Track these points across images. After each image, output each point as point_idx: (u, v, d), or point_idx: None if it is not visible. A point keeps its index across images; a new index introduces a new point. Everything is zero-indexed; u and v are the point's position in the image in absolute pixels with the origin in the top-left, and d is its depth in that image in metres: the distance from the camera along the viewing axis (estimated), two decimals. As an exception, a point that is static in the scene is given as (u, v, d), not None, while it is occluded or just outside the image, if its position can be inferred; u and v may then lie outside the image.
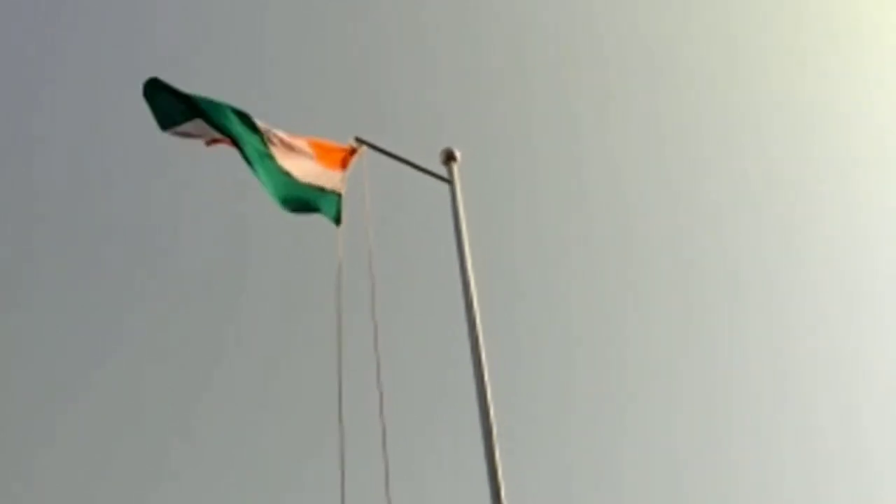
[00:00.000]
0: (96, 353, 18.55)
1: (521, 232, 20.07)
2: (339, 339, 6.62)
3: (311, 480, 16.70)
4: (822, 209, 20.43)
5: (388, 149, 7.96)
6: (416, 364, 18.24)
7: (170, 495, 16.52)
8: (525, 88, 21.32)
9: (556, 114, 21.17)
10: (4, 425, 17.13)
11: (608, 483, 16.89)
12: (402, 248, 19.04)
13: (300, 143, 7.79)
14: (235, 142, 7.26)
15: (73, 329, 18.72)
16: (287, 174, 7.53)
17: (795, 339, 19.01)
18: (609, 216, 20.33)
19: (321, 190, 7.63)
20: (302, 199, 7.52)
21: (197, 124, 7.30)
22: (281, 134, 7.71)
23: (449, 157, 7.99)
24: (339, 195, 7.69)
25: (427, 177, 7.89)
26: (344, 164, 7.87)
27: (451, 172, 7.92)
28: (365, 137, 8.00)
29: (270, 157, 7.50)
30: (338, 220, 7.57)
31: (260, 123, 7.63)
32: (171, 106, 7.25)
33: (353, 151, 7.94)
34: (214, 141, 7.39)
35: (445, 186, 7.85)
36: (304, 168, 7.67)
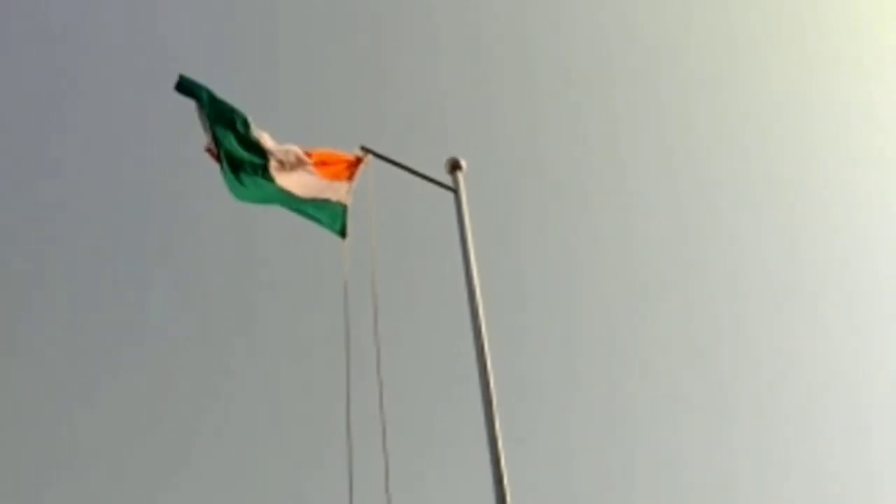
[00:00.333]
0: (103, 356, 18.57)
1: (527, 241, 20.09)
2: (348, 350, 6.65)
3: (317, 483, 16.70)
4: (825, 210, 20.42)
5: (394, 158, 7.98)
6: (422, 372, 18.24)
7: (175, 495, 16.52)
8: (530, 97, 21.35)
9: (561, 123, 21.20)
10: (10, 427, 17.15)
11: (612, 482, 16.87)
12: (408, 258, 19.06)
13: (303, 157, 7.78)
14: (221, 154, 7.29)
15: (81, 332, 18.75)
16: (288, 192, 7.53)
17: (799, 341, 18.98)
18: (615, 225, 20.34)
19: (326, 202, 7.65)
20: (304, 213, 7.55)
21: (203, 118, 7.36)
22: (283, 149, 7.70)
23: (454, 167, 8.01)
24: (345, 207, 7.70)
25: (432, 186, 7.91)
26: (350, 175, 7.89)
27: (456, 181, 7.93)
28: (370, 146, 8.03)
29: (269, 178, 7.50)
30: (343, 233, 7.58)
31: (264, 141, 7.62)
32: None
33: (358, 160, 7.97)
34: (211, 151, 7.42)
35: (451, 195, 7.87)
36: (307, 184, 7.68)
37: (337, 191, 7.73)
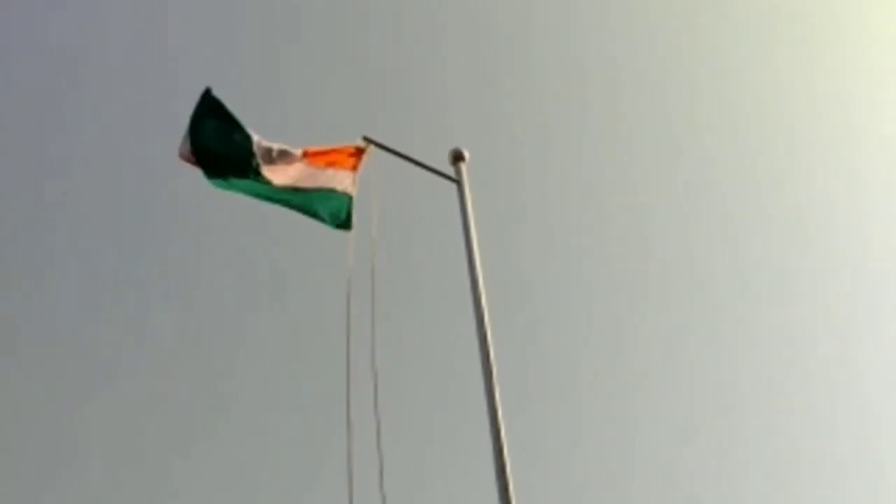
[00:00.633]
0: (103, 356, 18.57)
1: (530, 232, 20.05)
2: (348, 341, 6.62)
3: (319, 481, 16.70)
4: (828, 209, 20.38)
5: (396, 148, 7.94)
6: (423, 364, 18.22)
7: (172, 495, 16.52)
8: (533, 87, 21.30)
9: (564, 112, 21.15)
10: (11, 426, 17.16)
11: (616, 478, 16.86)
12: (411, 249, 19.03)
13: (298, 153, 7.71)
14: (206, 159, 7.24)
15: (81, 333, 18.74)
16: (286, 188, 7.47)
17: (806, 340, 18.95)
18: (618, 216, 20.30)
19: (331, 191, 7.60)
20: (303, 208, 7.50)
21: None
22: (279, 148, 7.62)
23: (457, 157, 7.97)
24: (350, 198, 7.66)
25: (435, 177, 7.88)
26: (354, 166, 7.85)
27: (459, 172, 7.90)
28: (372, 137, 7.99)
29: (263, 180, 7.43)
30: (348, 225, 7.53)
31: (257, 144, 7.51)
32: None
33: (360, 151, 7.93)
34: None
35: (453, 186, 7.83)
36: (308, 176, 7.63)
37: (342, 181, 7.68)
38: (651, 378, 18.40)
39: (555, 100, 21.23)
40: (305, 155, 7.72)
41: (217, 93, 7.44)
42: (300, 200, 7.51)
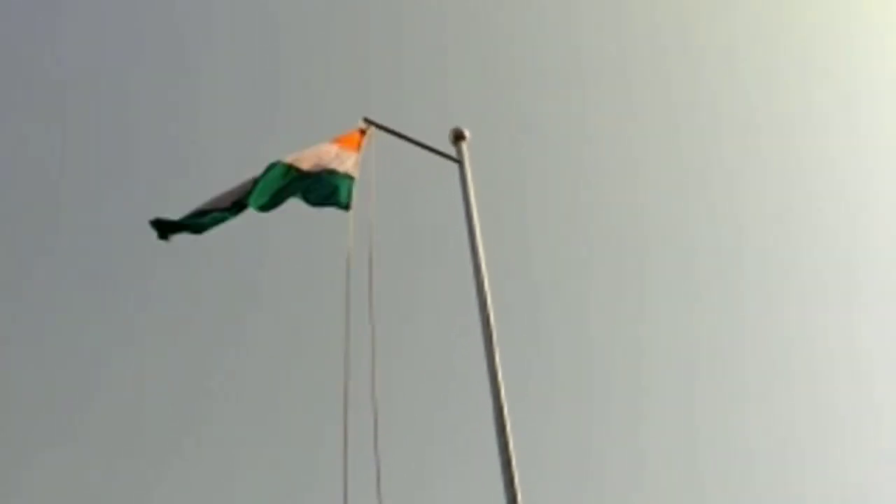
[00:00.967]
0: (101, 351, 18.57)
1: (532, 211, 19.99)
2: (347, 322, 6.57)
3: (318, 473, 16.70)
4: (830, 208, 20.31)
5: (397, 129, 7.89)
6: (425, 347, 18.19)
7: (169, 495, 16.54)
8: (534, 66, 21.20)
9: (565, 91, 21.05)
10: (10, 426, 17.17)
11: (623, 480, 16.85)
12: (412, 229, 18.98)
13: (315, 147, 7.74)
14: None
15: (78, 327, 18.74)
16: (293, 170, 7.45)
17: (809, 338, 18.91)
18: (621, 195, 20.24)
19: (333, 172, 7.55)
20: (304, 194, 7.47)
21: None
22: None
23: (458, 137, 7.91)
24: (352, 179, 7.61)
25: (436, 157, 7.82)
26: (357, 147, 7.81)
27: (460, 152, 7.84)
28: (373, 118, 7.93)
29: (290, 171, 7.44)
30: (347, 206, 7.49)
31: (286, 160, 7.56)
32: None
33: (362, 133, 7.88)
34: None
35: (455, 166, 7.77)
36: (318, 155, 7.61)
37: (344, 161, 7.64)
38: (657, 364, 18.37)
39: (556, 78, 21.13)
40: (330, 141, 7.75)
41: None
42: (298, 187, 7.47)
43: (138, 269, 19.26)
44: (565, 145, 20.65)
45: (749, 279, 19.37)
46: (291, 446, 17.11)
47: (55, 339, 18.37)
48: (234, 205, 7.28)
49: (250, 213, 7.35)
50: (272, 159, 7.64)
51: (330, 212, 7.49)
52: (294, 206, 7.50)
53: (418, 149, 7.85)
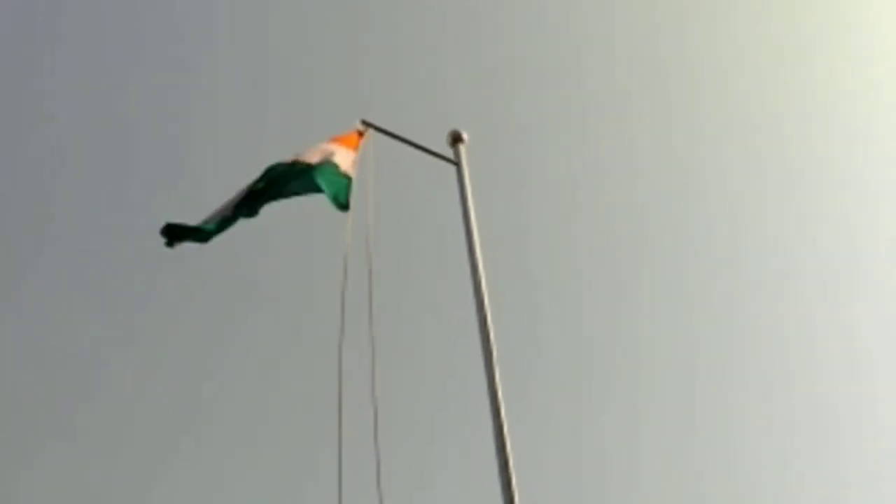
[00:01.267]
0: (100, 351, 18.57)
1: (530, 214, 20.00)
2: (342, 325, 6.58)
3: (316, 476, 16.71)
4: (831, 208, 20.34)
5: (395, 131, 7.90)
6: (422, 350, 18.20)
7: (165, 494, 16.54)
8: (532, 68, 21.22)
9: (564, 94, 21.07)
10: (10, 426, 17.17)
11: (621, 479, 16.87)
12: (409, 232, 18.99)
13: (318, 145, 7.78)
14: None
15: (75, 327, 18.74)
16: (304, 164, 7.49)
17: (810, 338, 18.93)
18: (619, 198, 20.25)
19: (336, 167, 7.57)
20: (310, 181, 7.47)
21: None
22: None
23: (456, 139, 7.93)
24: (350, 179, 7.63)
25: (434, 159, 7.83)
26: (355, 147, 7.83)
27: (458, 154, 7.85)
28: (371, 120, 7.94)
29: (297, 164, 7.49)
30: (346, 206, 7.50)
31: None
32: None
33: (359, 135, 7.89)
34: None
35: (453, 169, 7.79)
36: (321, 151, 7.64)
37: (345, 158, 7.65)
38: (655, 363, 18.39)
39: (554, 81, 21.15)
40: (329, 140, 7.79)
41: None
42: (303, 177, 7.49)
43: (138, 269, 19.27)
44: (563, 148, 20.67)
45: (747, 281, 19.40)
46: (291, 447, 17.11)
47: (55, 340, 18.37)
48: (238, 208, 7.32)
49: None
50: (270, 161, 7.67)
51: (328, 212, 7.50)
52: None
53: (416, 151, 7.87)
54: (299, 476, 16.79)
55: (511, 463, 5.89)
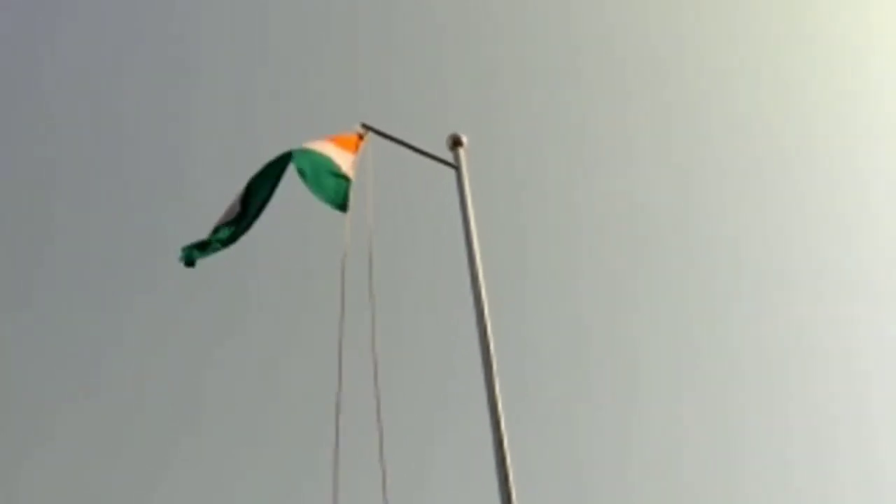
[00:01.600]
0: (99, 351, 18.56)
1: (529, 217, 20.00)
2: (341, 326, 6.57)
3: (316, 476, 16.70)
4: (828, 206, 20.33)
5: (395, 135, 7.89)
6: (422, 352, 18.20)
7: (169, 493, 16.53)
8: (532, 72, 21.21)
9: (563, 97, 21.06)
10: (10, 426, 17.15)
11: (618, 479, 16.86)
12: (409, 236, 18.98)
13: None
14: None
15: (74, 328, 18.73)
16: (315, 152, 7.54)
17: (803, 336, 18.92)
18: (618, 201, 20.25)
19: (339, 168, 7.58)
20: (325, 185, 7.49)
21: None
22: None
23: (455, 143, 7.92)
24: (349, 181, 7.62)
25: (434, 163, 7.82)
26: (354, 151, 7.83)
27: (457, 158, 7.85)
28: (371, 123, 7.94)
29: (305, 150, 7.56)
30: (344, 207, 7.49)
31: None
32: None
33: (359, 138, 7.89)
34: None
35: (452, 172, 7.78)
36: (325, 147, 7.68)
37: (345, 161, 7.65)
38: (653, 368, 18.38)
39: (554, 84, 21.14)
40: (328, 140, 7.83)
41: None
42: (312, 163, 7.52)
43: (138, 269, 19.26)
44: (563, 152, 20.66)
45: (745, 292, 19.39)
46: (291, 447, 17.11)
47: (55, 340, 18.36)
48: (245, 204, 7.42)
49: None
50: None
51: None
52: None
53: (416, 154, 7.86)
54: (299, 476, 16.77)
55: (511, 477, 5.88)
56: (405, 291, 18.13)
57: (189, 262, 7.35)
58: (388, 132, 7.91)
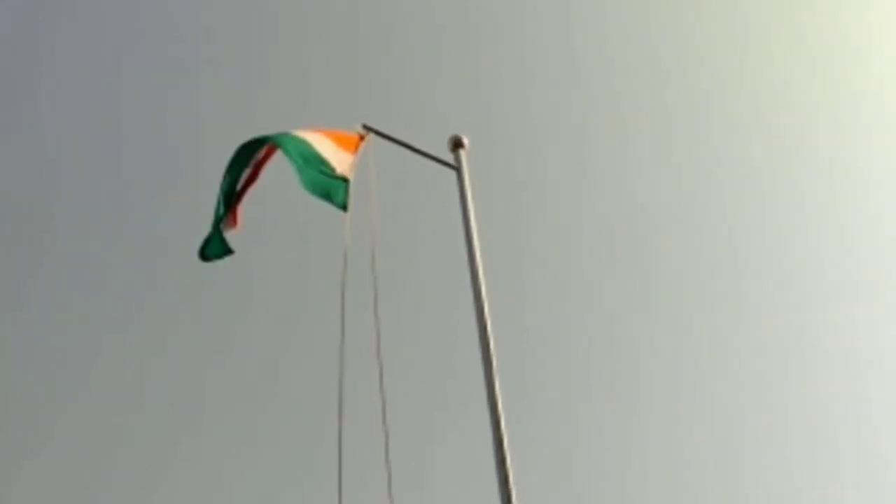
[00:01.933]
0: (99, 351, 18.56)
1: (530, 219, 20.01)
2: (343, 327, 6.58)
3: (316, 476, 16.70)
4: (827, 207, 20.33)
5: (396, 136, 7.91)
6: (423, 353, 18.21)
7: (169, 494, 16.53)
8: (532, 73, 21.22)
9: (563, 100, 21.08)
10: (8, 424, 17.16)
11: (617, 482, 16.87)
12: (410, 237, 19.00)
13: (315, 132, 7.82)
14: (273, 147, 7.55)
15: (74, 326, 18.73)
16: (309, 144, 7.55)
17: (803, 337, 18.92)
18: (617, 203, 20.26)
19: (333, 171, 7.58)
20: (316, 178, 7.49)
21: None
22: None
23: (457, 144, 7.93)
24: (347, 181, 7.63)
25: (435, 164, 7.84)
26: (354, 150, 7.83)
27: (458, 159, 7.86)
28: (372, 124, 7.95)
29: (297, 136, 7.57)
30: (344, 207, 7.50)
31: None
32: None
33: (360, 139, 7.90)
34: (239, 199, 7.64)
35: (453, 174, 7.80)
36: (323, 144, 7.68)
37: (341, 161, 7.65)
38: (652, 369, 18.39)
39: (554, 86, 21.16)
40: (326, 137, 7.83)
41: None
42: (312, 166, 7.53)
43: (138, 269, 19.27)
44: (564, 153, 20.68)
45: (745, 298, 19.40)
46: (291, 447, 17.11)
47: (54, 340, 18.36)
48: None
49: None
50: (267, 166, 7.77)
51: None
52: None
53: (417, 155, 7.87)
54: (299, 476, 16.78)
55: (511, 478, 5.89)
56: (405, 292, 18.15)
57: (211, 257, 7.50)
58: (390, 133, 7.92)
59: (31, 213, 19.43)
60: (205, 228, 7.53)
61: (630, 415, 17.66)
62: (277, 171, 7.93)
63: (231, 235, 7.67)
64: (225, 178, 7.73)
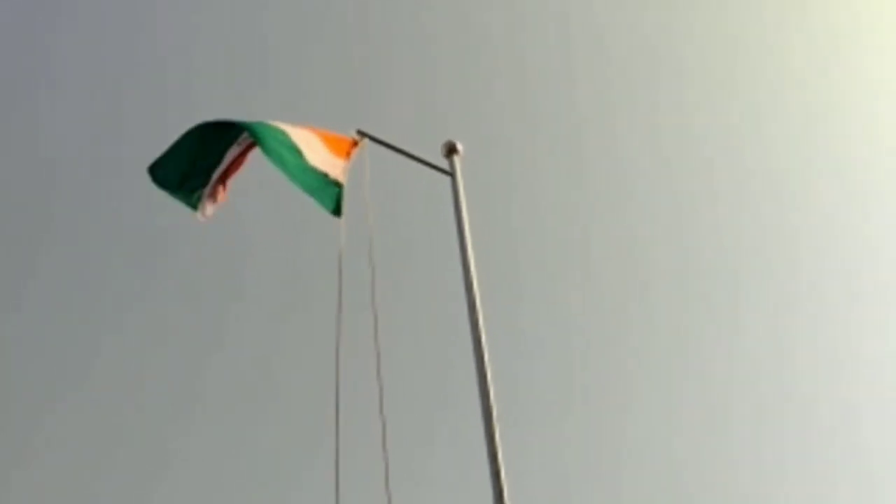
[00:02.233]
0: (92, 350, 18.57)
1: (524, 225, 20.04)
2: (338, 331, 6.61)
3: (312, 476, 16.72)
4: (825, 207, 20.37)
5: (390, 142, 7.93)
6: (417, 358, 18.24)
7: (166, 493, 16.54)
8: (527, 80, 21.25)
9: (558, 106, 21.11)
10: (8, 424, 17.17)
11: (610, 481, 16.90)
12: (404, 242, 19.02)
13: (307, 131, 7.77)
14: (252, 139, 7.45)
15: (73, 327, 18.74)
16: (299, 152, 7.52)
17: (797, 339, 18.96)
18: (612, 209, 20.29)
19: (325, 177, 7.57)
20: (306, 184, 7.47)
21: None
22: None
23: (451, 150, 7.96)
24: (341, 186, 7.64)
25: (429, 170, 7.86)
26: (347, 156, 7.83)
27: (452, 165, 7.89)
28: (366, 130, 7.97)
29: (286, 135, 7.53)
30: (338, 212, 7.51)
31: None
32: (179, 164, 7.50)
33: (354, 144, 7.91)
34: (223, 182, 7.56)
35: (447, 179, 7.82)
36: (313, 147, 7.64)
37: (335, 167, 7.65)
38: (648, 373, 18.42)
39: (549, 92, 21.19)
40: (321, 141, 7.80)
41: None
42: (301, 173, 7.50)
43: (135, 267, 19.28)
44: (558, 160, 20.71)
45: (744, 289, 19.44)
46: (290, 448, 17.13)
47: (52, 340, 18.37)
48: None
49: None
50: (265, 168, 7.75)
51: (324, 215, 7.51)
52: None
53: (411, 161, 7.89)
54: (299, 476, 16.80)
55: (503, 473, 5.91)
56: (399, 297, 18.17)
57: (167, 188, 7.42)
58: (384, 139, 7.94)
59: (30, 212, 19.44)
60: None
61: (626, 419, 17.70)
62: (276, 170, 7.92)
63: (213, 207, 7.56)
64: (209, 141, 7.58)
